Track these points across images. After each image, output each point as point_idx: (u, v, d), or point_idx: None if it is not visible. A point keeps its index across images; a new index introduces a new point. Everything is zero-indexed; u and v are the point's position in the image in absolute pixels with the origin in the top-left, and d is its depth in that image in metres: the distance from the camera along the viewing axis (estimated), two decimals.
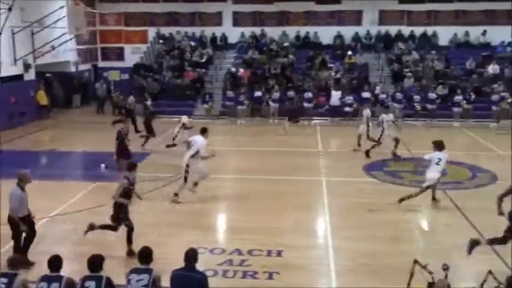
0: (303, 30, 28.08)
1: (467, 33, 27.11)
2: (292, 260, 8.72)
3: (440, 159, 11.15)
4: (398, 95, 23.29)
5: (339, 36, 27.78)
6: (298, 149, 17.18)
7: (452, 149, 16.09)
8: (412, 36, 27.45)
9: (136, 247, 6.64)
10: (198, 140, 11.70)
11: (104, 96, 25.91)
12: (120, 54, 29.41)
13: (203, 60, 26.93)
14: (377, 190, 12.88)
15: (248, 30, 28.32)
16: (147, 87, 24.63)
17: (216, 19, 28.76)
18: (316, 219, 11.02)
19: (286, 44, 27.50)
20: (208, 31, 28.49)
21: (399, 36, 27.43)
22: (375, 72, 26.21)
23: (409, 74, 24.84)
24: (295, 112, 22.80)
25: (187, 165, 11.54)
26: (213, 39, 28.44)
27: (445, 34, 27.23)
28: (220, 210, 11.72)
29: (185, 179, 11.62)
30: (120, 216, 8.90)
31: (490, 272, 6.19)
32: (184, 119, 16.09)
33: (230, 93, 23.85)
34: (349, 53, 26.25)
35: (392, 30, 27.55)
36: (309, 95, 23.71)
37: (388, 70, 26.21)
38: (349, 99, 23.16)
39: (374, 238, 9.62)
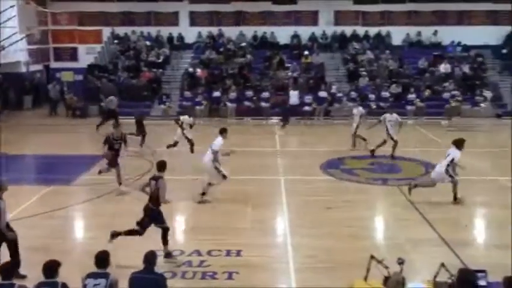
0: (260, 30, 28.21)
1: (419, 33, 27.87)
2: (252, 259, 8.74)
3: (449, 154, 11.51)
4: (354, 94, 23.72)
5: (296, 36, 28.05)
6: (256, 149, 17.23)
7: (406, 146, 16.67)
8: (366, 36, 28.00)
9: (95, 251, 6.50)
10: (217, 141, 11.67)
11: (57, 98, 25.28)
12: (73, 55, 28.76)
13: (160, 61, 26.68)
14: (334, 188, 13.07)
15: (205, 30, 28.24)
16: (102, 88, 24.19)
17: (172, 19, 28.53)
18: (274, 218, 11.08)
19: (243, 44, 27.57)
20: (165, 31, 28.24)
21: (354, 36, 27.93)
22: (331, 71, 26.60)
23: (364, 73, 25.32)
24: (287, 112, 22.68)
25: (216, 168, 11.54)
26: (170, 39, 28.22)
27: (398, 34, 27.93)
28: (179, 211, 11.61)
29: (224, 176, 11.61)
30: (160, 220, 8.64)
31: (442, 264, 6.37)
32: (188, 119, 16.11)
33: (187, 94, 23.71)
34: (306, 52, 26.54)
35: (348, 30, 28.03)
36: (266, 94, 23.86)
37: (344, 69, 26.65)
38: (308, 98, 23.43)
39: (332, 235, 9.76)
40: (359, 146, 17.04)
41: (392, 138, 15.71)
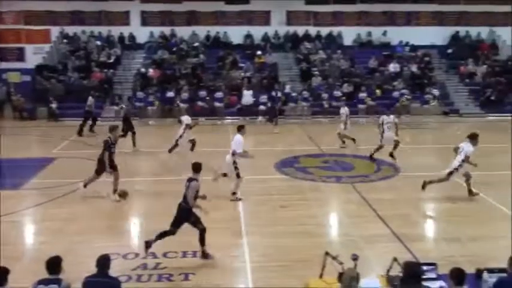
0: (213, 29, 28.13)
1: (369, 34, 28.47)
2: (208, 260, 8.70)
3: (462, 149, 11.64)
4: (307, 93, 24.03)
5: (249, 36, 28.12)
6: (210, 149, 17.14)
7: (358, 144, 17.00)
8: (318, 36, 28.37)
9: (46, 256, 6.31)
10: (236, 138, 11.96)
11: (3, 99, 24.40)
12: (20, 55, 27.79)
13: (111, 61, 26.20)
14: (289, 186, 13.18)
15: (157, 30, 27.90)
16: (51, 89, 23.52)
17: (123, 18, 28.04)
18: (230, 217, 11.05)
19: (196, 43, 27.41)
20: (116, 30, 27.73)
21: (306, 36, 28.25)
22: (284, 71, 26.82)
23: (317, 72, 25.66)
24: (273, 112, 22.45)
25: (235, 162, 11.81)
26: (121, 38, 27.74)
27: (349, 34, 28.43)
28: (133, 214, 11.46)
29: (237, 175, 11.83)
30: (192, 219, 8.62)
31: (394, 259, 6.53)
32: (186, 119, 15.89)
33: (140, 94, 23.38)
34: (259, 52, 26.64)
35: (300, 30, 28.32)
36: (220, 94, 23.84)
37: (297, 69, 26.91)
38: (263, 98, 23.55)
39: (287, 234, 9.83)
40: (347, 145, 17.33)
41: (380, 141, 15.46)
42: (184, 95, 23.33)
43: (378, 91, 24.51)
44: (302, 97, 23.87)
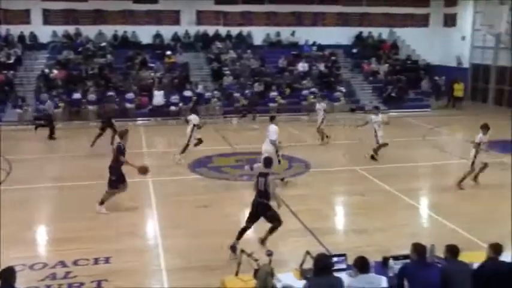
0: (121, 29, 27.32)
1: (278, 34, 29.01)
2: (122, 265, 8.48)
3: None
4: (218, 93, 24.11)
5: (158, 36, 27.65)
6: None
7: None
8: (229, 36, 28.48)
9: None
10: (272, 128, 13.00)
11: None
12: None
13: (11, 61, 24.69)
14: (203, 186, 13.15)
15: (61, 29, 26.66)
16: None
17: (23, 17, 26.47)
18: (144, 221, 10.86)
19: (103, 43, 26.54)
20: (15, 29, 26.14)
21: (217, 36, 28.27)
22: (196, 71, 26.67)
23: (228, 72, 25.79)
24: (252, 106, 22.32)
25: (277, 150, 12.89)
26: (21, 38, 26.21)
27: (258, 34, 28.80)
28: (39, 221, 10.89)
29: (279, 161, 12.81)
30: (269, 214, 8.78)
31: (307, 252, 6.70)
32: (194, 119, 15.23)
33: (44, 96, 22.26)
34: (168, 52, 26.30)
35: (210, 30, 28.28)
36: (130, 95, 23.28)
37: (208, 69, 26.88)
38: (175, 98, 23.28)
39: (203, 234, 9.80)
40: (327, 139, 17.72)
41: (377, 142, 15.36)
42: (92, 96, 22.53)
43: (287, 90, 25.06)
44: (214, 96, 23.89)
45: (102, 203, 10.93)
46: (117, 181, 10.95)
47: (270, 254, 6.59)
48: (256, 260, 6.63)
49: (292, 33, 29.00)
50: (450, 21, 30.37)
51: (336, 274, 5.97)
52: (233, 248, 8.61)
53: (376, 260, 7.01)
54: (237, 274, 6.86)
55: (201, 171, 14.46)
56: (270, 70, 26.94)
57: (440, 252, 6.73)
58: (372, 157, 15.51)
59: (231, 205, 11.60)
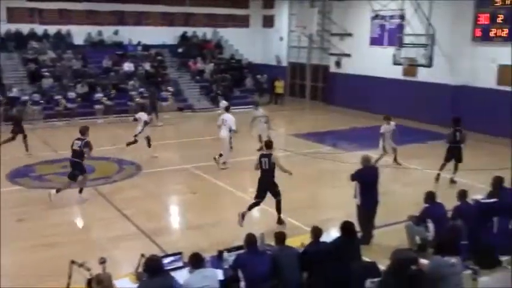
0: None
1: (100, 33, 27.91)
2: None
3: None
4: (37, 96, 22.46)
5: None
6: None
7: (100, 145, 16.47)
8: (46, 35, 26.61)
9: None
10: (228, 117, 14.69)
11: None
12: None
13: None
14: (25, 197, 12.14)
15: None
16: None
17: None
18: None
19: None
20: None
21: (33, 35, 26.24)
22: (10, 73, 24.43)
23: (47, 73, 24.14)
24: None
25: (231, 137, 14.91)
26: None
27: (79, 33, 27.35)
28: None
29: (231, 148, 15.28)
30: (274, 190, 10.21)
31: (142, 255, 6.59)
32: (144, 116, 15.98)
33: None
34: None
35: (24, 28, 26.13)
36: None
37: (24, 70, 24.84)
38: None
39: (28, 248, 9.07)
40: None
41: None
42: None
43: (113, 91, 24.29)
44: (32, 100, 22.17)
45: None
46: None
47: (103, 261, 6.34)
48: (88, 270, 6.33)
49: (116, 33, 28.15)
50: (268, 22, 32.22)
51: (175, 272, 5.98)
52: (242, 215, 9.93)
53: (212, 255, 7.18)
54: (68, 287, 6.48)
55: (22, 182, 13.30)
56: (93, 71, 25.84)
57: (270, 240, 7.14)
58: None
59: (58, 215, 10.91)
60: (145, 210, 11.27)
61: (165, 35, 29.21)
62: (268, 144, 10.54)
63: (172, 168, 15.05)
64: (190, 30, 30.42)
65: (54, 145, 17.11)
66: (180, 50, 29.43)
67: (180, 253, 6.99)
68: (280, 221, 10.19)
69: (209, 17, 31.15)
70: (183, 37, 30.18)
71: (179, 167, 15.14)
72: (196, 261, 6.00)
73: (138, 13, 28.95)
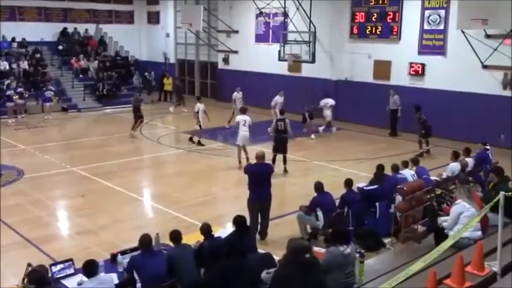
0: None
1: None
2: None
3: (245, 121, 14.31)
4: None
5: None
6: None
7: None
8: None
9: None
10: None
11: None
12: None
13: None
14: None
15: None
16: None
17: None
18: None
19: None
20: None
21: None
22: None
23: None
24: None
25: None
26: None
27: None
28: None
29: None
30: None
31: (29, 264, 6.25)
32: (202, 106, 17.00)
33: None
34: None
35: None
36: None
37: None
38: None
39: None
40: None
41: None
42: None
43: None
44: None
45: None
46: None
47: None
48: None
49: None
50: (153, 18, 31.66)
51: (67, 280, 5.74)
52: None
53: (105, 259, 6.97)
54: None
55: None
56: None
57: (166, 239, 7.08)
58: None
59: None
60: (30, 217, 10.63)
61: (43, 32, 27.63)
62: (282, 111, 15.54)
63: (58, 171, 14.31)
64: (70, 27, 29.00)
65: None
66: (60, 47, 27.98)
67: (70, 260, 6.69)
68: (286, 170, 13.63)
69: (91, 13, 29.90)
70: (63, 33, 28.70)
71: (65, 169, 14.44)
72: (89, 269, 5.79)
73: (10, 7, 26.92)
